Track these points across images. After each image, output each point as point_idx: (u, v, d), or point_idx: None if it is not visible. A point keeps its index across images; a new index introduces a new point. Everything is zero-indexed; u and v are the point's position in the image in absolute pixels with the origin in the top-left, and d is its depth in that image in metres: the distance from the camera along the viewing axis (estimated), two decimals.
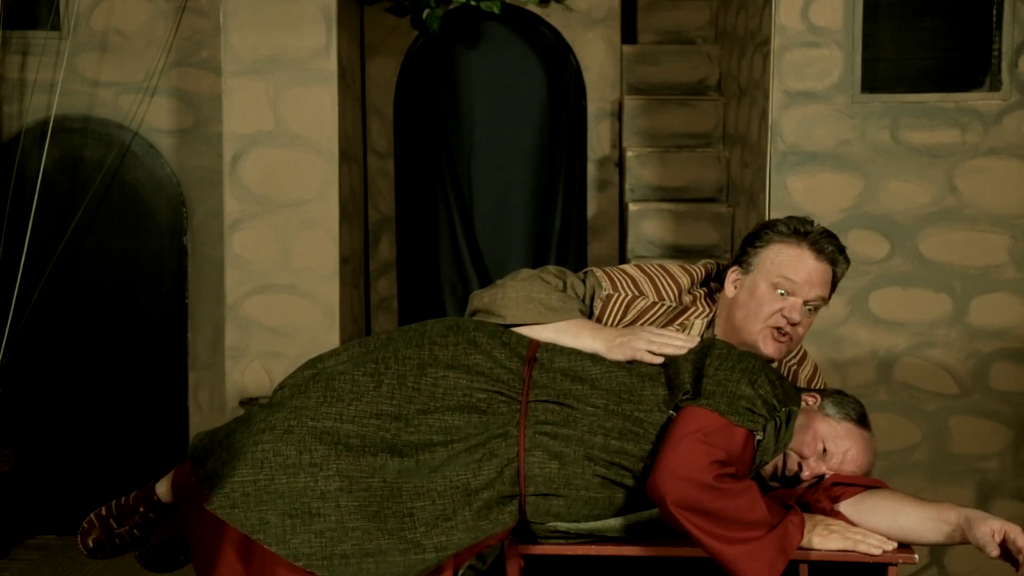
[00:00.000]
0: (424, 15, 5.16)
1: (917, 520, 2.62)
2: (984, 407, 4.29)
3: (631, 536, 2.67)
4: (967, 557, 4.25)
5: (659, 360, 2.76)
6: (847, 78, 4.23)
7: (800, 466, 2.72)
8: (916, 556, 2.62)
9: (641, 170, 5.11)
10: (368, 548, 2.48)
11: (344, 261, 4.63)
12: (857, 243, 4.27)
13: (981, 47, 4.25)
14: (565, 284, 3.02)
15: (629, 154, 5.12)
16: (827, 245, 2.97)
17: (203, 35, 5.00)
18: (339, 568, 2.47)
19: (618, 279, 3.06)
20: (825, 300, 2.98)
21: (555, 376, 2.68)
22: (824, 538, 2.59)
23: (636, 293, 3.04)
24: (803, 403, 2.78)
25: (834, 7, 4.21)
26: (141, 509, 2.87)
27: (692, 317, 3.03)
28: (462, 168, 5.38)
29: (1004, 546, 2.56)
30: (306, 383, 2.67)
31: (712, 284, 3.12)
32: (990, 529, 2.55)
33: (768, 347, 2.94)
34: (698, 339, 2.85)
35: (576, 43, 5.29)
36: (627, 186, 5.11)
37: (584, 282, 3.04)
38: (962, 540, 2.60)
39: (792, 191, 4.26)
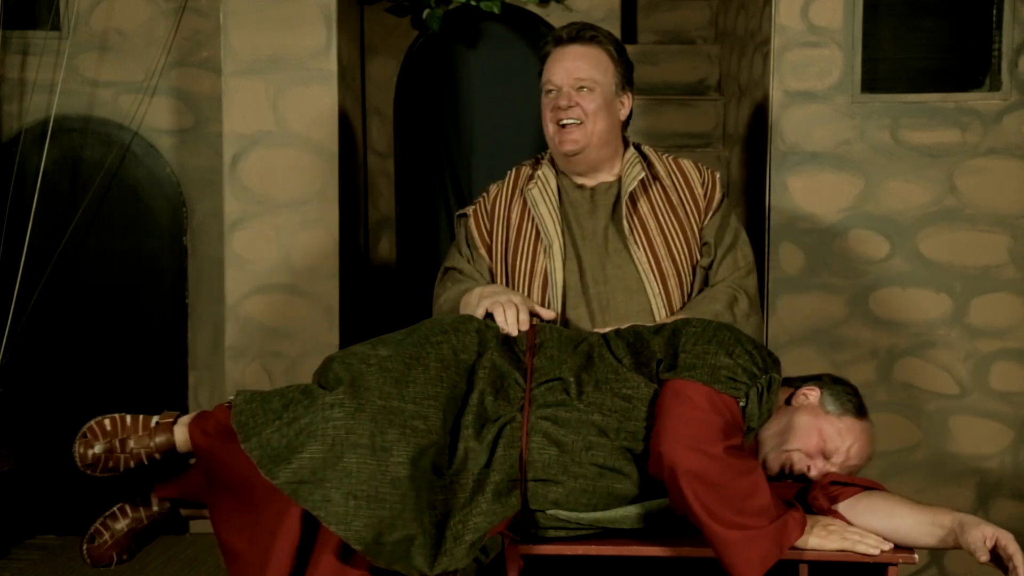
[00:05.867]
0: (424, 15, 5.16)
1: (912, 523, 2.63)
2: (984, 407, 4.29)
3: (631, 527, 2.67)
4: (966, 558, 4.23)
5: (505, 328, 2.86)
6: (847, 78, 4.23)
7: (808, 467, 2.73)
8: (916, 556, 2.63)
9: None
10: (416, 536, 2.49)
11: (344, 261, 4.63)
12: (857, 243, 4.27)
13: (981, 47, 4.25)
14: (449, 270, 3.29)
15: None
16: (561, 31, 3.24)
17: (203, 35, 5.00)
18: (377, 552, 2.47)
19: (477, 199, 3.41)
20: (594, 79, 3.19)
21: (552, 358, 2.74)
22: (823, 538, 2.59)
23: (487, 193, 3.38)
24: (802, 398, 2.80)
25: (834, 7, 4.21)
26: (153, 445, 2.73)
27: (537, 170, 3.31)
28: (462, 168, 5.38)
29: (995, 552, 2.56)
30: (358, 364, 2.64)
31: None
32: (982, 534, 2.55)
33: (560, 142, 3.22)
34: (528, 324, 2.93)
35: None
36: None
37: (463, 231, 3.36)
38: (955, 544, 2.61)
39: (792, 191, 4.26)
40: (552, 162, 3.32)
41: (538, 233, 3.20)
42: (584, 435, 2.62)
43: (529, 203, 3.24)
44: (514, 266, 3.22)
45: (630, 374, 2.68)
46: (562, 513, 2.65)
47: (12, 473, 4.88)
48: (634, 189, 3.20)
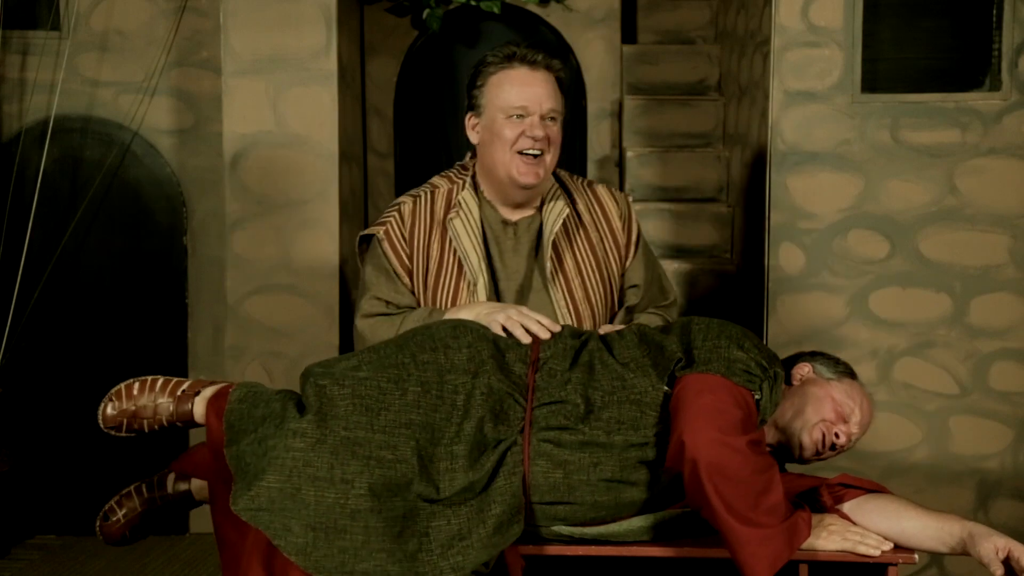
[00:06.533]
0: (424, 15, 5.16)
1: (920, 527, 2.63)
2: (984, 407, 4.29)
3: (634, 540, 2.67)
4: (967, 558, 4.25)
5: (527, 339, 2.78)
6: (847, 78, 4.23)
7: (837, 434, 2.73)
8: (916, 556, 2.63)
9: (641, 170, 5.11)
10: (390, 570, 2.46)
11: (344, 261, 4.63)
12: (857, 243, 4.27)
13: (981, 47, 4.25)
14: (386, 301, 3.10)
15: (629, 154, 5.13)
16: (535, 55, 3.07)
17: (203, 35, 5.00)
18: None
19: (384, 218, 3.16)
20: (560, 110, 3.08)
21: (554, 375, 2.68)
22: (824, 539, 2.59)
23: (399, 213, 3.13)
24: (800, 375, 2.82)
25: (834, 7, 4.21)
26: (175, 413, 2.76)
27: (455, 194, 3.13)
28: None
29: (1008, 563, 2.55)
30: (331, 387, 2.61)
31: (463, 161, 3.26)
32: (994, 546, 2.54)
33: (522, 173, 3.04)
34: (559, 325, 2.86)
35: (576, 43, 5.29)
36: (627, 186, 5.12)
37: (382, 257, 3.09)
38: (962, 552, 2.60)
39: (792, 191, 4.26)
40: (474, 186, 3.16)
41: (460, 267, 3.07)
42: (590, 451, 2.59)
43: (451, 234, 3.09)
44: (435, 300, 3.08)
45: (637, 379, 2.65)
46: (565, 529, 2.64)
47: (12, 473, 4.88)
48: (552, 222, 3.12)
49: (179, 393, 2.77)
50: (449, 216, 3.10)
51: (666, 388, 2.64)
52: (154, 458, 5.10)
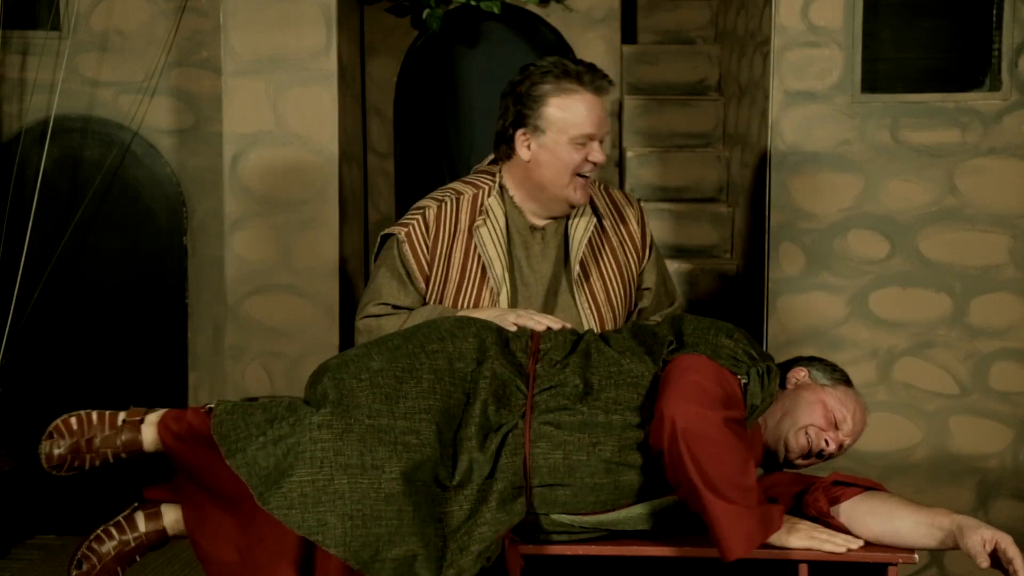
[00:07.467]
0: (424, 15, 5.16)
1: (911, 524, 2.64)
2: (984, 407, 4.29)
3: (633, 528, 2.68)
4: (967, 558, 4.24)
5: (541, 327, 2.87)
6: (847, 78, 4.23)
7: (826, 441, 2.74)
8: (916, 556, 2.64)
9: (641, 170, 5.11)
10: (419, 554, 2.48)
11: (344, 261, 4.63)
12: (857, 243, 4.27)
13: (981, 47, 4.25)
14: (392, 306, 3.11)
15: (629, 154, 5.13)
16: (603, 82, 3.06)
17: (203, 35, 5.00)
18: (378, 569, 2.47)
19: (406, 219, 3.15)
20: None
21: (554, 364, 2.73)
22: (792, 537, 2.60)
23: (423, 217, 3.13)
24: (795, 379, 2.85)
25: (834, 7, 4.21)
26: (119, 444, 2.70)
27: (481, 201, 3.13)
28: (462, 168, 5.38)
29: (994, 555, 2.56)
30: (349, 380, 2.62)
31: (482, 165, 3.26)
32: (981, 538, 2.56)
33: (578, 195, 3.08)
34: (568, 325, 2.94)
35: (576, 43, 5.28)
36: (627, 186, 5.12)
37: (397, 259, 3.10)
38: (954, 546, 2.61)
39: (792, 191, 4.26)
40: (501, 192, 3.16)
41: (484, 273, 3.09)
42: (590, 432, 2.63)
43: (476, 242, 3.10)
44: (455, 305, 3.10)
45: (633, 365, 2.71)
46: (565, 518, 2.66)
47: (12, 473, 4.88)
48: (581, 233, 3.15)
49: (119, 423, 2.71)
50: (476, 223, 3.12)
51: (658, 371, 2.69)
52: (153, 460, 5.09)
